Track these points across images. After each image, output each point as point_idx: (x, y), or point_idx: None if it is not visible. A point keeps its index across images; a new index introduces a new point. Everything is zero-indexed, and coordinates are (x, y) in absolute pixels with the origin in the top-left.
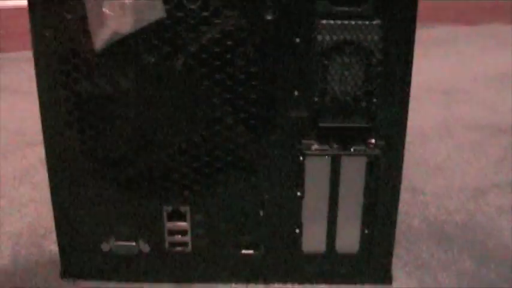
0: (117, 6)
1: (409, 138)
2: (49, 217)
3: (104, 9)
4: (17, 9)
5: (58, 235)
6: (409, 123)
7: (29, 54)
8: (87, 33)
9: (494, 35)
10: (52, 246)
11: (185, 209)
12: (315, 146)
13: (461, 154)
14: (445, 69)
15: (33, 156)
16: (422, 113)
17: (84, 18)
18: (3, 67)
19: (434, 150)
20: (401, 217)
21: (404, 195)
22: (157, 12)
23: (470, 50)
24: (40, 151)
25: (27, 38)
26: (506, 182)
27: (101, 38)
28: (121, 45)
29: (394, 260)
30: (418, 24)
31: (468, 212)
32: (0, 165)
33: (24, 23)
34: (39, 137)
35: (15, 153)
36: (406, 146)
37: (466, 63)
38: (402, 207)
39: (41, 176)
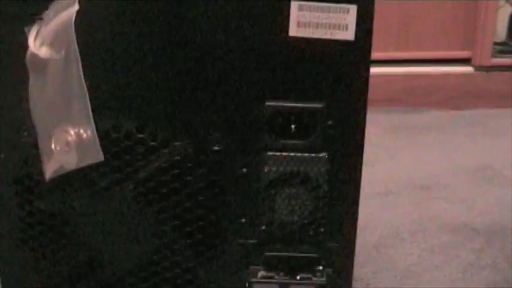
0: (63, 142)
1: (381, 238)
2: None
3: (52, 143)
4: None
5: None
6: (384, 221)
7: None
8: (39, 158)
9: (481, 121)
10: None
11: None
12: (262, 273)
13: (431, 258)
14: (427, 160)
15: None
16: (399, 211)
17: (36, 143)
18: None
19: (406, 253)
20: None
21: None
22: (95, 156)
23: (456, 139)
24: None
25: None
26: None
27: (49, 169)
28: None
29: None
30: (410, 109)
31: None
32: None
33: None
34: None
35: None
36: (378, 246)
37: (449, 154)
38: None
39: None
